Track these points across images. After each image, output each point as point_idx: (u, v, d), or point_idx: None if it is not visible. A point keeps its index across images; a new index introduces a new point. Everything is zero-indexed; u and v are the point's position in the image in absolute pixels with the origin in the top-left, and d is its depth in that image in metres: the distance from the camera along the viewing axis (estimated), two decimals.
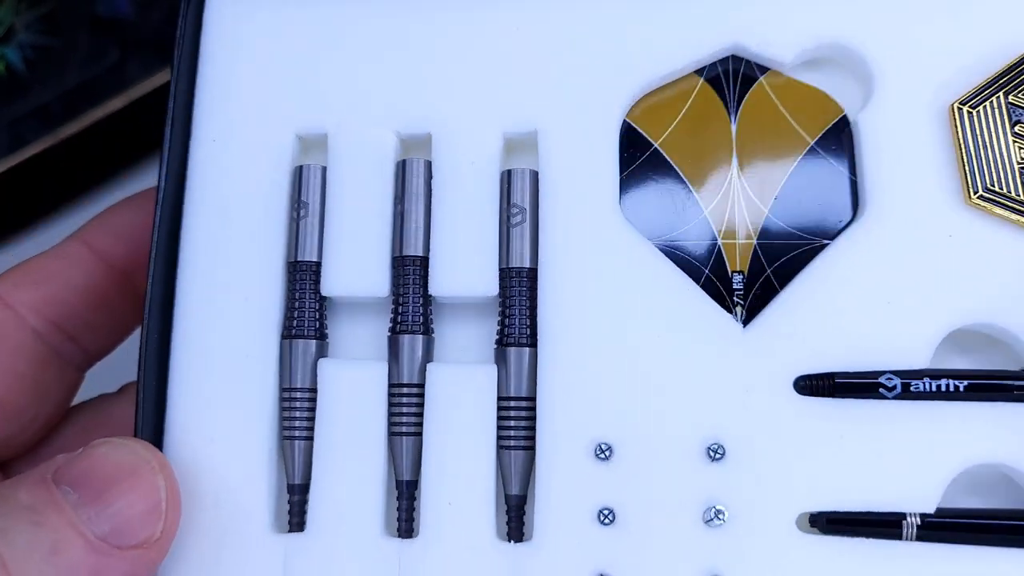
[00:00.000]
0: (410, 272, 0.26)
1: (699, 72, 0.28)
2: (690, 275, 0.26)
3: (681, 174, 0.27)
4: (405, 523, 0.25)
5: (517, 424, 0.25)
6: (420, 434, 0.26)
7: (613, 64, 0.27)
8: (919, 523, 0.24)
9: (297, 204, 0.27)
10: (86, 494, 0.22)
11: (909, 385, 0.25)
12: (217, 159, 0.27)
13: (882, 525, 0.24)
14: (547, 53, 0.27)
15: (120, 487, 0.23)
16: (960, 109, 0.26)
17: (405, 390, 0.26)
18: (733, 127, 0.27)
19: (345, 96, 0.27)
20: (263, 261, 0.27)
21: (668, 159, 0.27)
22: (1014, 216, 0.25)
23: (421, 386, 0.26)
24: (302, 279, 0.26)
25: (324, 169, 0.27)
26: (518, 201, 0.26)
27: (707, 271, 0.26)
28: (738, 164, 0.27)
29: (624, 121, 0.27)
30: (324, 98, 0.27)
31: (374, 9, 0.28)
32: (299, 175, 0.27)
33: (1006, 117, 0.26)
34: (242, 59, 0.28)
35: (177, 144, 0.27)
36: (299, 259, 0.26)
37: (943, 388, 0.25)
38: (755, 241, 0.26)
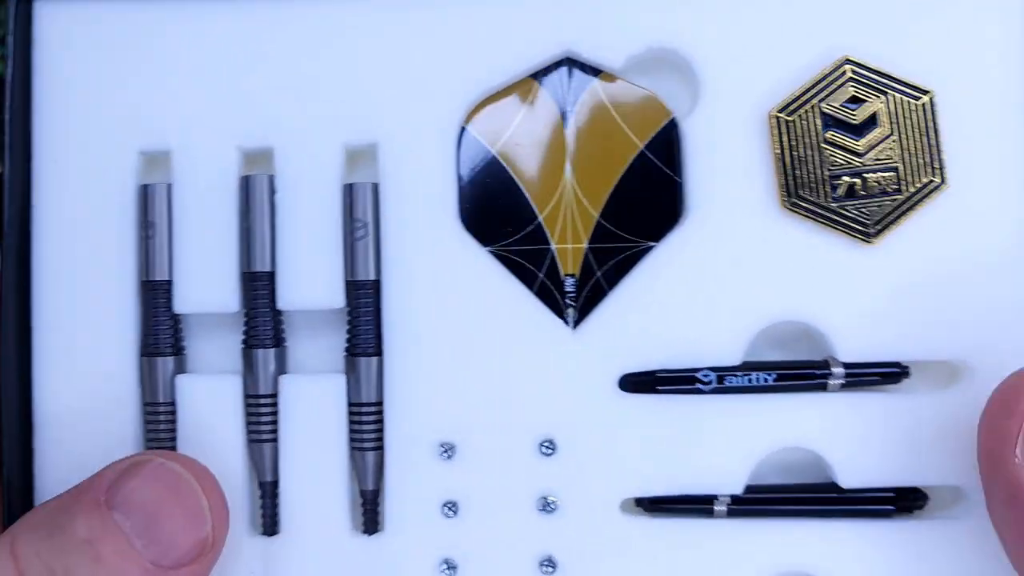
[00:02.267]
0: (259, 287, 0.28)
1: (535, 76, 0.29)
2: (526, 280, 0.28)
3: (518, 181, 0.28)
4: (270, 521, 0.28)
5: (367, 427, 0.28)
6: (277, 440, 0.28)
7: (449, 73, 0.28)
8: (729, 502, 0.28)
9: (144, 224, 0.28)
10: (137, 521, 0.24)
11: (723, 379, 0.28)
12: (61, 182, 0.28)
13: (698, 505, 0.28)
14: (384, 65, 0.28)
15: (170, 510, 0.24)
16: (778, 117, 0.27)
17: (262, 400, 0.28)
18: (567, 132, 0.28)
19: (187, 112, 0.28)
20: (117, 280, 0.28)
21: (505, 166, 0.28)
22: (820, 221, 0.27)
23: (275, 396, 0.28)
24: (155, 297, 0.28)
25: (169, 187, 0.28)
26: (360, 215, 0.28)
27: (541, 275, 0.28)
28: (572, 170, 0.28)
29: (462, 128, 0.28)
30: (166, 115, 0.28)
31: (212, 23, 0.28)
32: (144, 195, 0.28)
33: (819, 125, 0.27)
34: (79, 79, 0.28)
35: (18, 167, 0.28)
36: (151, 279, 0.28)
37: (754, 381, 0.28)
38: (585, 245, 0.28)
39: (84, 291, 0.28)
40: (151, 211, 0.28)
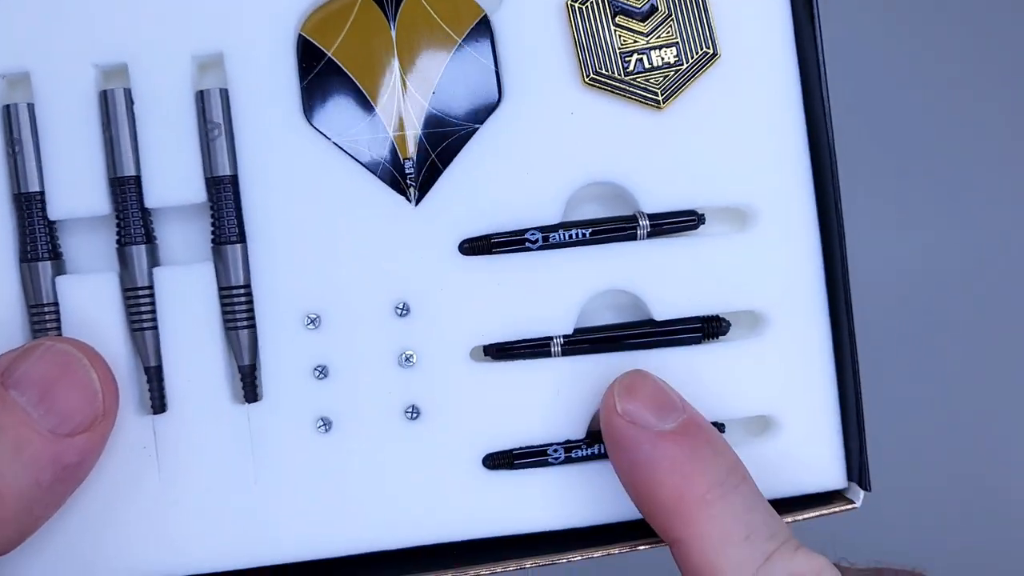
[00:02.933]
0: (127, 189, 0.31)
1: None
2: (370, 166, 0.32)
3: (353, 79, 0.32)
4: (158, 401, 0.31)
5: (239, 308, 0.31)
6: (157, 328, 0.31)
7: None
8: (563, 342, 0.32)
9: (11, 141, 0.30)
10: (32, 395, 0.27)
11: (548, 237, 0.32)
12: None
13: (536, 347, 0.32)
14: None
15: (60, 385, 0.27)
16: (573, 6, 0.32)
17: (139, 293, 0.31)
18: (393, 33, 0.32)
19: (41, 34, 0.31)
20: None
21: (341, 66, 0.32)
22: (617, 94, 0.32)
23: (151, 287, 0.31)
24: (29, 208, 0.31)
25: (31, 105, 0.31)
26: (213, 118, 0.31)
27: (384, 161, 0.32)
28: (400, 66, 0.32)
29: (299, 35, 0.32)
30: (21, 38, 0.31)
31: None
32: (7, 114, 0.30)
33: (609, 11, 0.32)
34: None
35: None
36: (23, 191, 0.30)
37: (574, 236, 0.32)
38: (420, 131, 0.32)
39: None
40: (16, 129, 0.30)
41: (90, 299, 0.31)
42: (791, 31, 0.33)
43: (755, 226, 0.33)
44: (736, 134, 0.33)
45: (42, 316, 0.31)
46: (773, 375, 0.33)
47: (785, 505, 0.33)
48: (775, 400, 0.33)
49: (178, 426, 0.31)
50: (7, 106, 0.31)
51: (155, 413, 0.31)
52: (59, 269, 0.31)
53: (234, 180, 0.31)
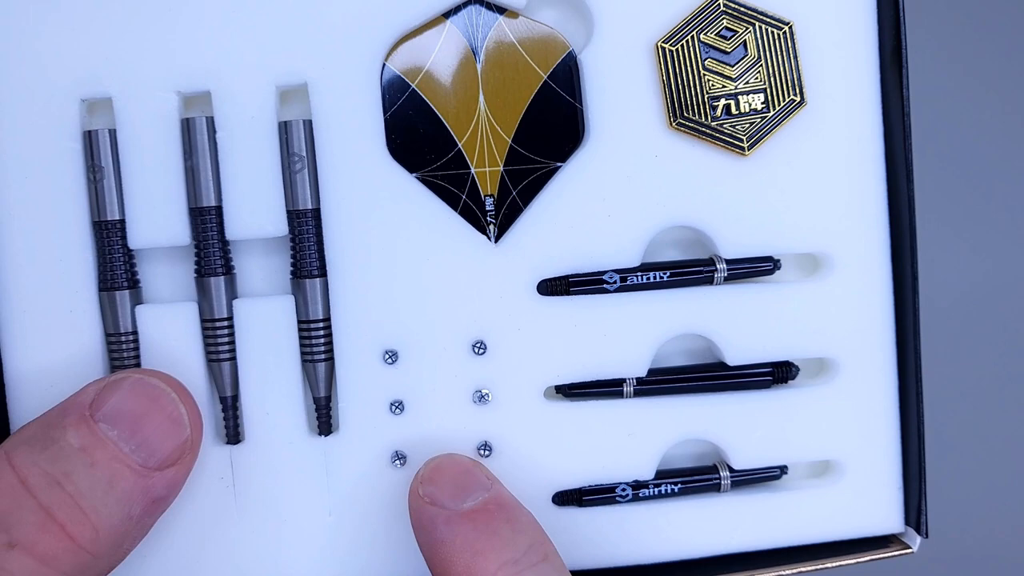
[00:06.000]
0: (207, 220, 0.31)
1: (446, 15, 0.32)
2: (450, 201, 0.32)
3: (437, 112, 0.32)
4: (233, 431, 0.32)
5: (316, 341, 0.32)
6: (235, 359, 0.31)
7: (368, 15, 0.31)
8: (636, 383, 0.33)
9: (92, 168, 0.30)
10: (123, 429, 0.27)
11: (626, 279, 0.32)
12: (8, 134, 0.30)
13: (609, 388, 0.33)
14: (310, 9, 0.31)
15: (150, 419, 0.28)
16: (663, 48, 0.32)
17: (217, 324, 0.31)
18: (479, 66, 0.32)
19: (124, 60, 0.31)
20: (72, 224, 0.30)
21: (425, 99, 0.32)
22: (702, 138, 0.32)
23: (230, 319, 0.31)
24: (109, 237, 0.31)
25: (113, 132, 0.30)
26: (296, 149, 0.31)
27: (464, 197, 0.32)
28: (484, 100, 0.32)
29: (384, 65, 0.32)
30: (104, 63, 0.30)
31: None
32: (89, 140, 0.30)
33: (698, 53, 0.32)
34: (16, 33, 0.30)
35: None
36: (103, 219, 0.30)
37: (652, 278, 0.33)
38: (501, 168, 0.32)
39: (41, 237, 0.30)
40: (97, 155, 0.30)
41: (169, 329, 0.31)
42: (877, 81, 0.33)
43: (830, 274, 0.34)
44: (816, 183, 0.33)
45: (120, 345, 0.31)
46: (838, 420, 0.34)
47: (841, 548, 0.34)
48: (838, 445, 0.34)
49: (254, 457, 0.32)
50: (89, 132, 0.30)
51: (230, 443, 0.32)
52: (137, 298, 0.31)
53: (316, 213, 0.31)
